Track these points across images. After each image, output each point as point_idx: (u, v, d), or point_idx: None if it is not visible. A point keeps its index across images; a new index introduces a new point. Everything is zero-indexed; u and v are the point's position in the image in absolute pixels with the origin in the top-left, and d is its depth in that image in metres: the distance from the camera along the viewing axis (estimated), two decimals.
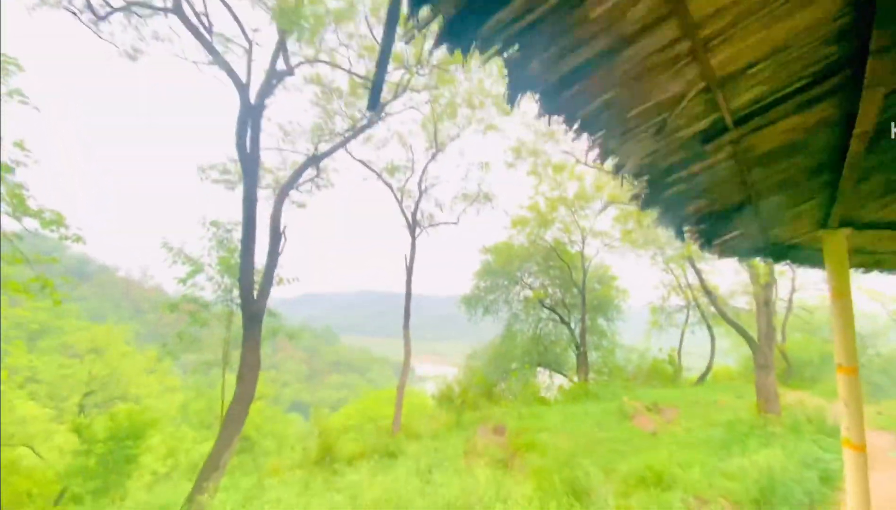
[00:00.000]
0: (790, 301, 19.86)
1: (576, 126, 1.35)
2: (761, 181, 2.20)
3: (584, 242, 19.79)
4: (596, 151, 1.57)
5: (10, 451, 13.50)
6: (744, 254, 3.89)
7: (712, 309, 13.02)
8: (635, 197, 2.05)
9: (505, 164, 14.08)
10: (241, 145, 7.30)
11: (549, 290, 22.07)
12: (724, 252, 3.55)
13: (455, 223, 15.84)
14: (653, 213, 2.25)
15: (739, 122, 1.54)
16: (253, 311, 7.89)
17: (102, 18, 7.06)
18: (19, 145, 8.90)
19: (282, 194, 8.70)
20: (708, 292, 11.11)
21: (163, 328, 12.88)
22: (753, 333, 9.20)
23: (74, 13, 7.89)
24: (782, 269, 15.54)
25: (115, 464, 12.53)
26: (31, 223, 8.94)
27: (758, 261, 7.02)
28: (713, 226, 2.66)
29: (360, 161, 13.76)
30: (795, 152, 1.98)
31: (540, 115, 1.45)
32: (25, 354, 21.85)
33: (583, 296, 19.34)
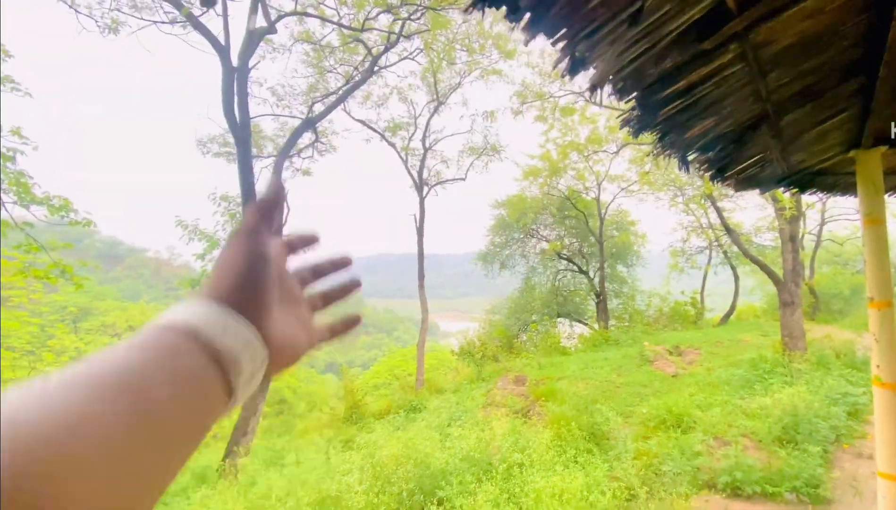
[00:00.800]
0: (819, 234, 18.99)
1: (525, 24, 1.07)
2: (779, 91, 1.87)
3: (599, 188, 19.12)
4: (565, 63, 1.29)
5: None
6: (764, 185, 3.53)
7: (735, 248, 12.50)
8: (626, 122, 1.76)
9: (511, 111, 13.40)
10: (228, 113, 7.02)
11: (566, 241, 21.66)
12: (741, 184, 3.21)
13: (463, 179, 15.41)
14: (650, 140, 1.96)
15: (746, 5, 1.22)
16: None
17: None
18: (16, 133, 8.84)
19: (279, 161, 8.47)
20: (729, 230, 10.60)
21: None
22: (779, 270, 8.77)
23: None
24: (810, 202, 14.74)
25: None
26: (39, 211, 9.03)
27: (781, 192, 6.51)
28: (725, 152, 2.34)
29: (361, 121, 13.31)
30: (821, 48, 1.64)
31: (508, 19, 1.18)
32: (68, 336, 23.14)
33: (600, 244, 18.91)
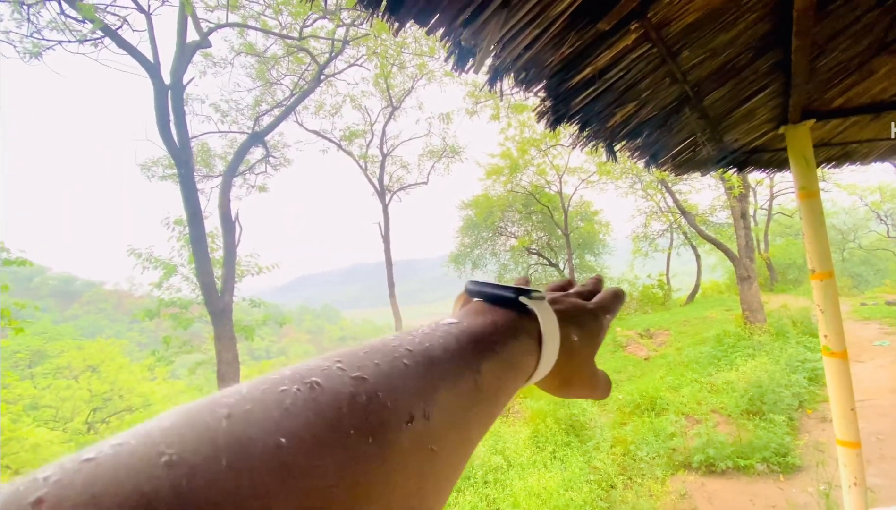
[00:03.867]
0: (770, 208, 19.86)
1: (384, 9, 0.95)
2: (695, 70, 1.82)
3: (561, 182, 19.39)
4: (455, 55, 1.18)
5: None
6: (703, 167, 3.55)
7: (693, 229, 12.92)
8: (540, 114, 1.67)
9: (466, 112, 13.39)
10: (165, 133, 6.65)
11: (534, 236, 21.89)
12: (679, 168, 3.20)
13: (425, 183, 15.29)
14: (572, 130, 1.88)
15: None
16: (219, 307, 7.55)
17: None
18: None
19: (227, 179, 8.11)
20: (684, 212, 10.90)
21: (162, 334, 12.64)
22: (734, 247, 9.06)
23: None
24: (759, 178, 15.38)
25: None
26: None
27: (727, 172, 6.72)
28: (653, 138, 2.30)
29: (314, 131, 12.99)
30: (727, 23, 1.60)
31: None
32: (22, 383, 21.67)
33: (567, 236, 19.18)
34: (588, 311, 0.41)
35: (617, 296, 0.47)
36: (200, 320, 12.27)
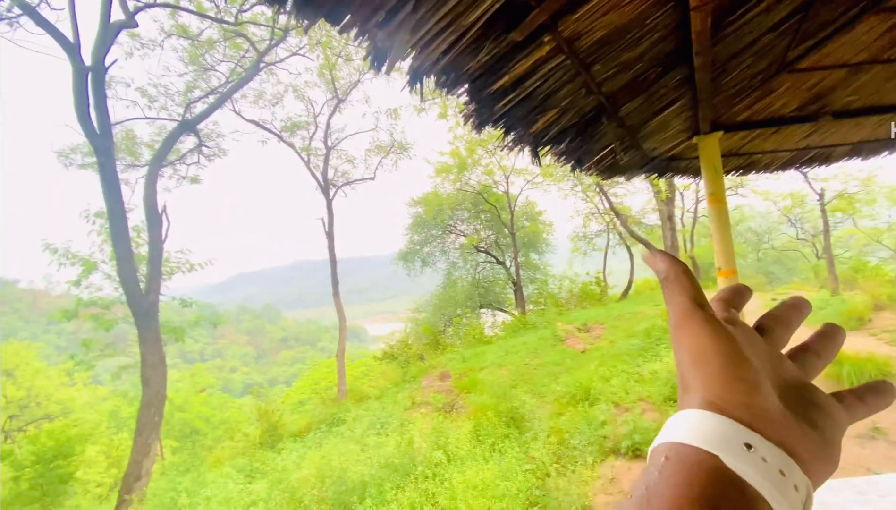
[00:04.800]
0: (695, 211, 21.57)
1: (293, 7, 0.96)
2: (608, 82, 1.96)
3: (507, 182, 19.91)
4: (372, 55, 1.20)
5: None
6: (627, 172, 3.81)
7: (625, 229, 13.77)
8: (466, 117, 1.73)
9: (414, 109, 13.37)
10: (83, 118, 6.08)
11: (482, 234, 22.31)
12: (604, 172, 3.42)
13: (372, 179, 15.10)
14: (497, 135, 1.95)
15: None
16: (144, 307, 7.03)
17: None
18: None
19: (153, 170, 7.55)
20: (617, 214, 11.59)
21: (84, 336, 11.54)
22: (662, 247, 9.77)
23: None
24: (686, 183, 16.63)
25: (50, 486, 11.76)
26: None
27: (653, 178, 7.25)
28: (575, 144, 2.43)
29: (253, 121, 12.41)
30: (633, 41, 1.73)
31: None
32: None
33: (513, 235, 19.73)
34: (832, 443, 0.29)
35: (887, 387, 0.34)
36: (124, 321, 11.36)
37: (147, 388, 6.88)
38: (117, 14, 6.90)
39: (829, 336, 0.35)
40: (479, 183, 19.98)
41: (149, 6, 7.26)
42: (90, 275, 11.59)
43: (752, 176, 4.84)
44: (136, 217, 9.17)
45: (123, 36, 8.53)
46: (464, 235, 22.24)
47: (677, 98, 2.74)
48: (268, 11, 8.68)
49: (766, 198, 22.23)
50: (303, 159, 13.45)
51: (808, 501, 0.25)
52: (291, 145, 13.15)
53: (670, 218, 9.72)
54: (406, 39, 1.14)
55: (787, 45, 2.65)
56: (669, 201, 9.57)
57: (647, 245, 10.63)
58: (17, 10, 6.17)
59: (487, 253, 22.08)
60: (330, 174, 13.91)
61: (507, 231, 20.56)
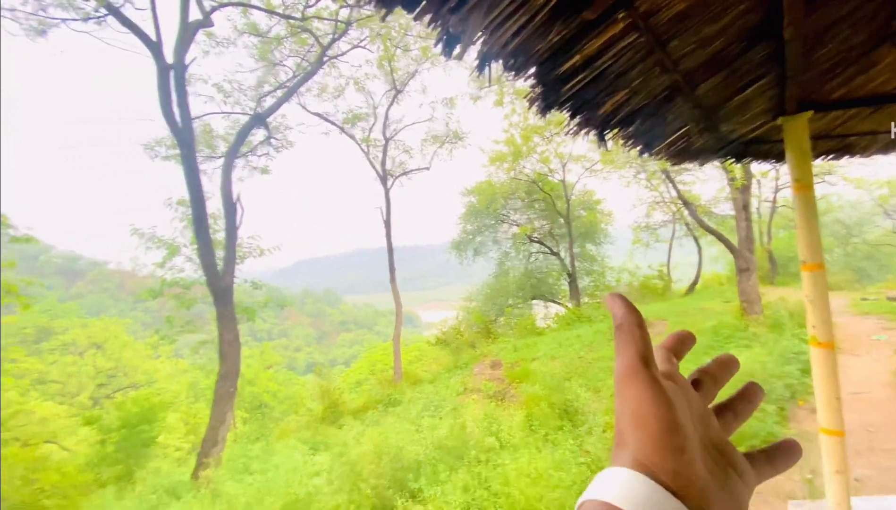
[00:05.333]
0: (774, 200, 19.76)
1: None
2: (685, 60, 1.85)
3: (564, 170, 19.33)
4: (443, 41, 1.22)
5: (35, 450, 13.89)
6: (700, 156, 3.56)
7: (695, 220, 12.91)
8: (531, 101, 1.71)
9: (470, 97, 13.30)
10: (167, 113, 6.67)
11: (536, 224, 21.90)
12: (675, 157, 3.22)
13: (427, 168, 15.26)
14: (563, 119, 1.91)
15: None
16: (221, 288, 7.65)
17: None
18: None
19: (228, 161, 8.14)
20: (686, 203, 10.88)
21: (165, 314, 12.84)
22: (735, 238, 9.08)
23: None
24: (765, 170, 15.28)
25: (133, 449, 13.13)
26: None
27: (728, 163, 6.68)
28: (646, 126, 2.32)
29: (317, 114, 12.95)
30: (716, 13, 1.62)
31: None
32: (29, 359, 22.06)
33: (569, 225, 19.18)
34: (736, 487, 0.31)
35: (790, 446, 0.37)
36: (203, 301, 12.42)
37: (223, 363, 7.52)
38: (195, 14, 7.45)
39: (748, 398, 0.38)
40: (533, 171, 19.56)
41: (223, 5, 7.77)
42: (173, 258, 12.70)
43: (844, 161, 4.33)
44: (213, 205, 9.96)
45: (200, 35, 9.16)
46: (517, 225, 21.94)
47: (762, 75, 2.52)
48: (332, 6, 8.98)
49: (859, 185, 19.91)
50: (363, 150, 13.89)
51: None
52: (352, 137, 13.60)
53: (745, 207, 8.99)
54: (478, 23, 1.15)
55: (890, 13, 2.34)
56: (745, 189, 8.85)
57: (717, 236, 9.93)
58: (102, 10, 6.84)
59: (541, 243, 21.65)
60: (388, 164, 14.26)
61: (562, 221, 20.02)
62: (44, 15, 7.41)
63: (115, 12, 6.14)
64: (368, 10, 9.15)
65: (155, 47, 6.44)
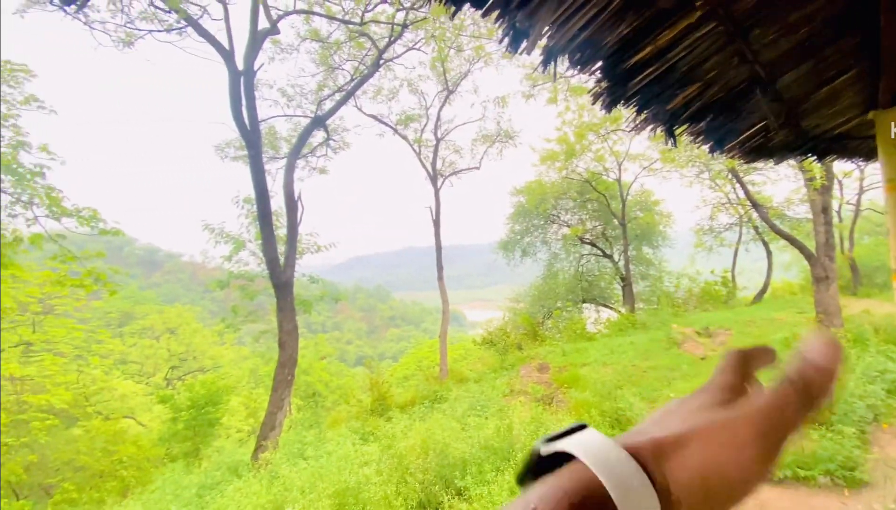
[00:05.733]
0: (858, 203, 17.87)
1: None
2: (766, 50, 1.72)
3: (620, 169, 18.59)
4: (508, 37, 1.22)
5: (115, 424, 15.34)
6: (776, 155, 3.30)
7: (765, 223, 11.94)
8: (596, 96, 1.67)
9: (522, 95, 13.13)
10: (237, 116, 7.15)
11: (588, 225, 21.24)
12: (748, 155, 3.02)
13: (477, 168, 15.25)
14: (629, 114, 1.85)
15: None
16: (282, 281, 8.09)
17: (81, 7, 6.91)
18: (44, 149, 9.28)
19: (291, 161, 8.58)
20: (756, 205, 10.08)
21: (231, 304, 13.79)
22: (811, 244, 8.31)
23: (62, 7, 7.81)
24: (847, 169, 13.89)
25: (200, 428, 14.16)
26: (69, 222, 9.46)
27: (807, 161, 6.09)
28: (719, 121, 2.19)
29: (372, 116, 13.32)
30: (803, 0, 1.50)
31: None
32: (113, 341, 24.45)
33: (623, 227, 18.43)
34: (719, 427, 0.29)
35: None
36: (265, 293, 13.18)
37: (282, 351, 7.94)
38: (263, 23, 7.91)
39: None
40: (587, 170, 18.96)
41: (288, 13, 8.21)
42: (239, 252, 13.54)
43: None
44: (276, 203, 10.54)
45: (267, 42, 9.70)
46: (567, 226, 21.38)
47: (852, 65, 2.30)
48: (389, 10, 9.22)
49: None
50: (414, 151, 14.12)
51: None
52: (405, 137, 13.88)
53: (825, 210, 8.21)
54: (547, 17, 1.14)
55: None
56: (825, 190, 8.08)
57: (792, 241, 9.15)
58: (183, 22, 7.45)
59: (593, 245, 20.96)
60: (438, 164, 14.40)
61: (616, 222, 19.27)
62: (131, 27, 8.20)
63: (193, 24, 6.67)
64: (425, 12, 9.31)
65: (228, 55, 6.93)
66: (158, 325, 27.28)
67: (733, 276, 18.61)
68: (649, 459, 0.27)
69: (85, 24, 8.24)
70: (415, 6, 9.63)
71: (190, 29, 7.39)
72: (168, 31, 7.22)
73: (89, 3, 7.32)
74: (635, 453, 0.26)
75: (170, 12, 6.81)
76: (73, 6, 7.51)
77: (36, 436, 11.57)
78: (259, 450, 7.90)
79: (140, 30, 7.43)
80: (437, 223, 14.13)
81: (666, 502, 0.26)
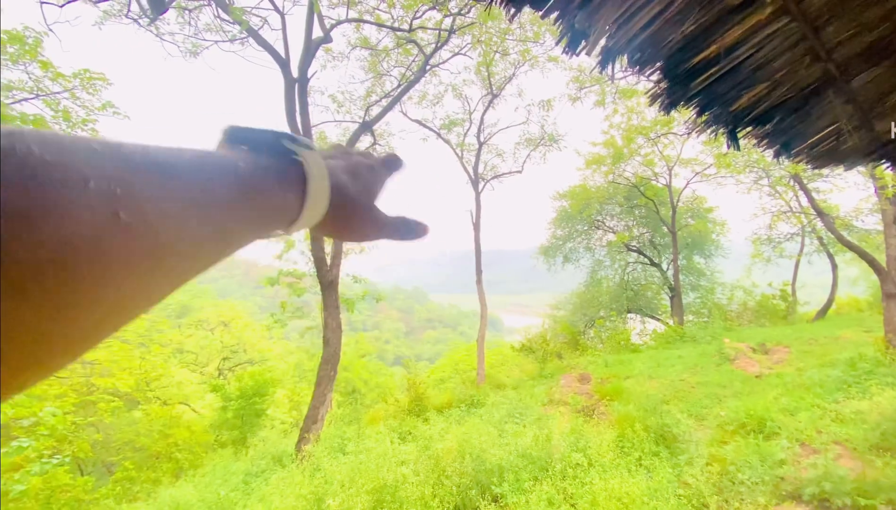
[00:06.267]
0: None
1: None
2: (841, 48, 1.62)
3: (670, 174, 17.82)
4: (566, 38, 1.22)
5: (172, 409, 16.35)
6: (847, 160, 3.07)
7: (832, 234, 11.03)
8: (654, 97, 1.63)
9: (568, 98, 12.89)
10: (291, 122, 7.49)
11: (635, 232, 20.50)
12: (817, 160, 2.82)
13: (519, 172, 15.10)
14: (687, 114, 1.79)
15: None
16: (328, 279, 8.36)
17: (154, 20, 7.49)
18: None
19: None
20: (821, 214, 9.33)
21: (279, 300, 14.42)
22: (883, 258, 7.60)
23: (135, 20, 8.50)
24: None
25: (248, 417, 14.84)
26: None
27: (882, 168, 5.55)
28: (786, 124, 2.07)
29: (417, 121, 13.53)
30: None
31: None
32: (172, 331, 26.08)
33: (673, 234, 17.63)
34: (364, 164, 0.43)
35: (396, 156, 0.50)
36: (311, 290, 13.69)
37: (326, 347, 8.20)
38: (317, 32, 8.25)
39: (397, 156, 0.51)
40: (634, 174, 18.31)
41: (340, 22, 8.52)
42: (289, 251, 14.10)
43: None
44: None
45: (320, 50, 10.09)
46: (613, 232, 20.72)
47: None
48: (436, 16, 9.36)
49: None
50: (457, 155, 14.20)
51: (325, 176, 0.36)
52: (448, 142, 14.00)
53: None
54: (608, 16, 1.13)
55: None
56: None
57: (861, 254, 8.42)
58: (244, 32, 7.90)
59: (640, 252, 20.19)
60: (480, 168, 14.40)
61: (665, 229, 18.48)
62: (199, 38, 8.80)
63: (254, 34, 7.07)
64: (472, 17, 9.36)
65: (284, 63, 7.29)
66: (213, 318, 28.83)
67: (794, 290, 17.33)
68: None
69: (156, 35, 8.93)
70: (462, 12, 9.71)
71: (250, 39, 7.84)
72: (231, 41, 7.70)
73: (162, 17, 7.91)
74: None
75: (233, 24, 7.26)
76: (146, 19, 8.13)
77: (102, 416, 12.50)
78: (302, 442, 8.17)
79: (206, 40, 7.96)
80: (476, 227, 14.11)
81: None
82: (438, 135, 14.16)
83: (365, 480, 5.24)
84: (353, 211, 0.40)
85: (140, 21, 8.17)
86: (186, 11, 8.59)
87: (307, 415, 8.49)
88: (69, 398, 11.40)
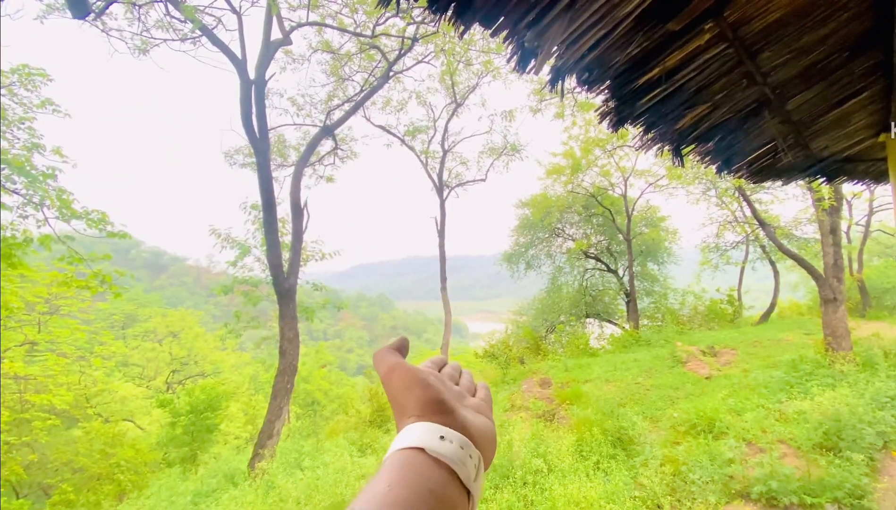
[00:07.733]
0: (867, 224, 17.72)
1: (452, 14, 1.01)
2: (777, 72, 1.72)
3: (626, 184, 18.56)
4: (516, 56, 1.22)
5: (115, 426, 15.28)
6: (784, 175, 3.29)
7: (773, 242, 11.84)
8: (603, 115, 1.66)
9: (530, 109, 13.19)
10: (247, 124, 7.23)
11: (593, 239, 21.17)
12: (756, 175, 3.00)
13: (483, 180, 15.28)
14: (634, 133, 1.84)
15: None
16: (285, 288, 8.08)
17: (99, 15, 7.05)
18: (58, 152, 9.40)
19: (298, 170, 8.63)
20: (763, 224, 10.00)
21: (233, 309, 13.78)
22: (820, 265, 8.22)
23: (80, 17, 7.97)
24: (857, 190, 13.80)
25: (198, 433, 14.05)
26: (78, 224, 9.54)
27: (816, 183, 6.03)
28: (726, 142, 2.18)
29: (380, 126, 13.43)
30: (816, 22, 1.49)
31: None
32: (116, 343, 24.46)
33: (628, 242, 18.35)
34: (493, 432, 0.45)
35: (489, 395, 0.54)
36: (268, 299, 13.18)
37: (283, 358, 7.91)
38: (276, 34, 8.03)
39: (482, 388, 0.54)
40: (592, 184, 18.96)
41: (301, 25, 8.34)
42: (244, 258, 13.57)
43: None
44: (282, 210, 10.59)
45: (279, 52, 9.84)
46: (572, 240, 21.32)
47: (864, 88, 2.29)
48: (400, 23, 9.35)
49: None
50: (421, 162, 14.20)
51: (480, 466, 0.39)
52: (412, 148, 13.97)
53: (833, 231, 8.14)
54: (555, 37, 1.14)
55: None
56: (833, 211, 8.02)
57: (800, 262, 9.06)
58: (197, 32, 7.58)
59: (598, 259, 20.87)
60: (445, 176, 14.46)
61: (621, 237, 19.21)
62: (147, 35, 8.36)
63: (208, 33, 6.78)
64: (434, 27, 9.42)
65: (240, 64, 7.04)
66: (161, 329, 27.26)
67: (739, 295, 18.43)
68: (471, 435, 0.40)
69: (102, 31, 8.42)
70: (425, 21, 9.75)
71: (204, 38, 7.52)
72: (183, 40, 7.36)
73: (107, 12, 7.46)
74: (464, 431, 0.40)
75: (185, 22, 6.95)
76: (90, 15, 7.65)
77: (37, 435, 11.53)
78: (256, 458, 7.82)
79: (155, 38, 7.58)
80: (441, 233, 14.14)
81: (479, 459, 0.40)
82: (403, 141, 14.11)
83: (322, 497, 5.06)
84: (493, 446, 0.45)
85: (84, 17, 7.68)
86: (135, 7, 8.15)
87: (262, 430, 8.14)
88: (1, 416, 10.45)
